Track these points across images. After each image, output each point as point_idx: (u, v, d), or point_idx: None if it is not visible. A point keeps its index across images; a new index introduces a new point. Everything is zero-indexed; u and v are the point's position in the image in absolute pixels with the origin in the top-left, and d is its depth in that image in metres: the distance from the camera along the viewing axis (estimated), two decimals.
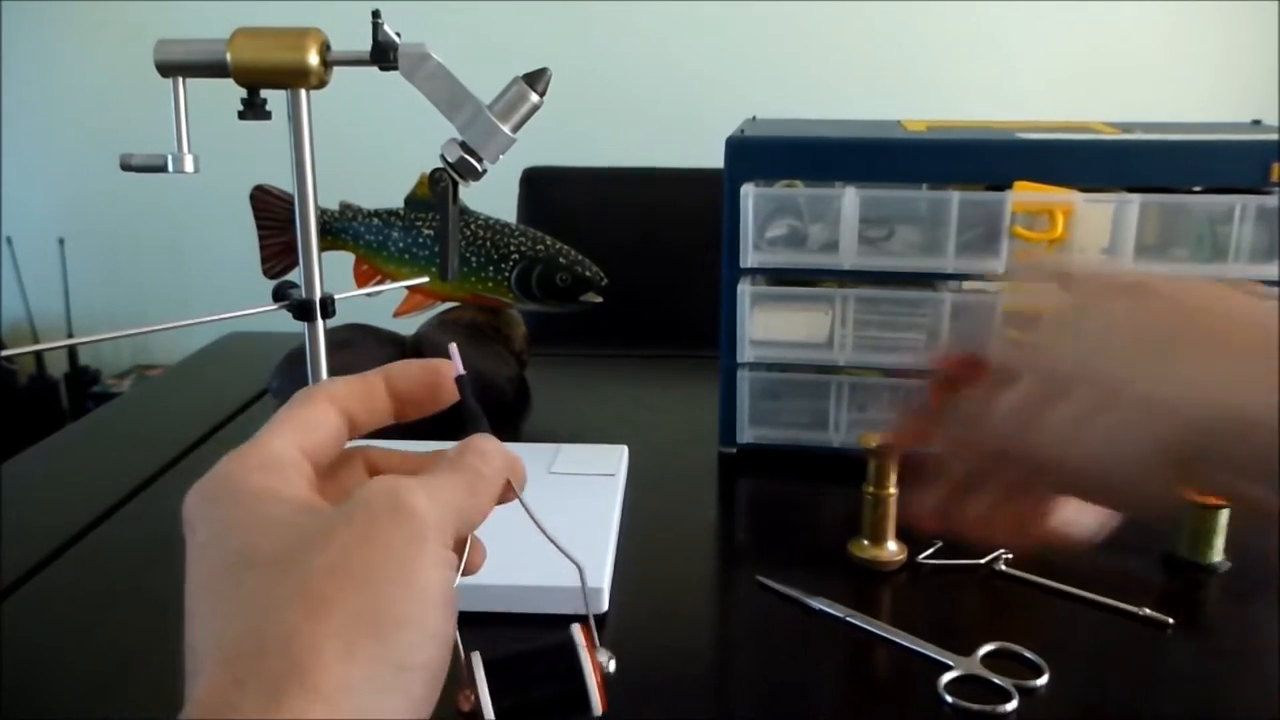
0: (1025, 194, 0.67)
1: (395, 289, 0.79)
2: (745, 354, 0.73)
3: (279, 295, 0.62)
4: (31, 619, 0.54)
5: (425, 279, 0.81)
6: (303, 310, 0.62)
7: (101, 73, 2.42)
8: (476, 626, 0.35)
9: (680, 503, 0.68)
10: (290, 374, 0.83)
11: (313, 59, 0.57)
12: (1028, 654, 0.49)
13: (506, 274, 0.84)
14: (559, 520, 0.62)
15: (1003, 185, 0.67)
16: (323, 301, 0.62)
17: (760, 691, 0.49)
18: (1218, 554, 0.58)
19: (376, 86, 0.90)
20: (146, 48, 0.57)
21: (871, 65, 2.32)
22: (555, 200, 1.46)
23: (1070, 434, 0.35)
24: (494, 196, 1.01)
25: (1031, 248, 0.66)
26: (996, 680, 0.47)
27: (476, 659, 0.31)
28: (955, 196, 0.68)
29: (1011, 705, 0.46)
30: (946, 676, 0.48)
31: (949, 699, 0.46)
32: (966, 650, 0.49)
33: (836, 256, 0.70)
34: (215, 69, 0.57)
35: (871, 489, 0.59)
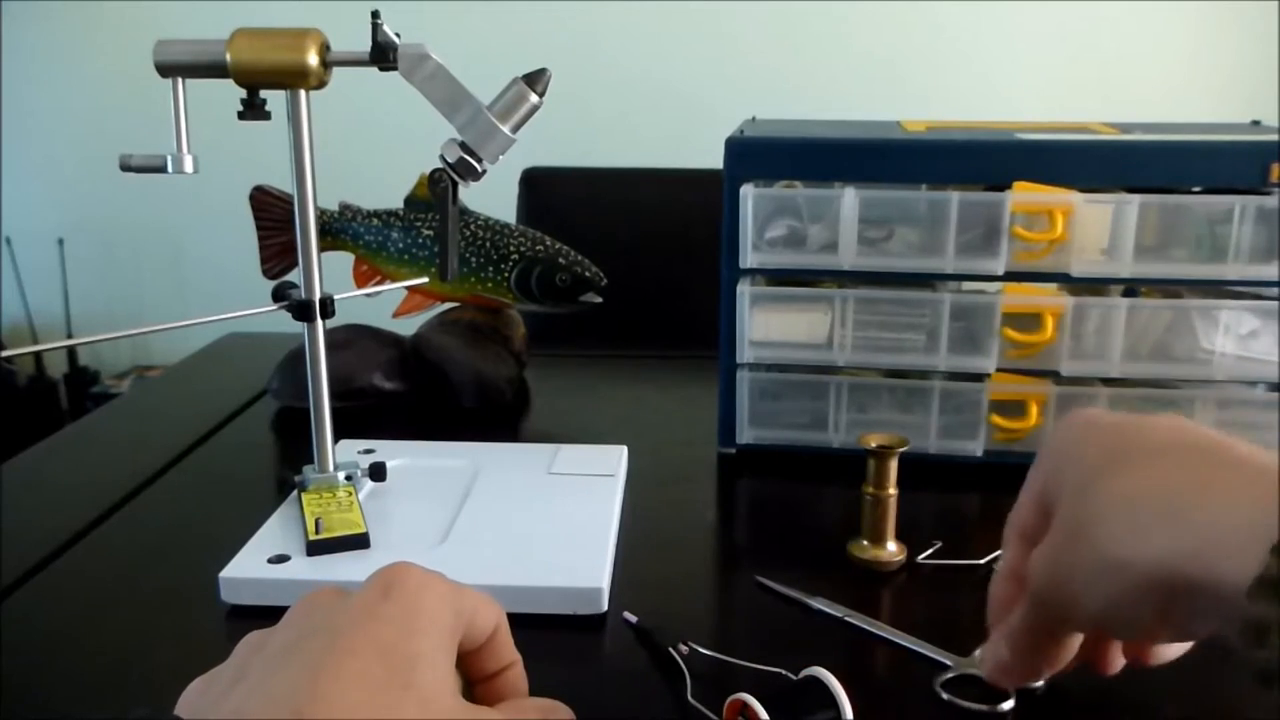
0: (1025, 194, 0.67)
1: (395, 289, 0.79)
2: (745, 354, 0.73)
3: (278, 296, 0.62)
4: (31, 619, 0.54)
5: (425, 279, 0.81)
6: (302, 311, 0.62)
7: (101, 73, 2.42)
8: None
9: (680, 503, 0.68)
10: (290, 375, 0.83)
11: (312, 59, 0.57)
12: None
13: (506, 274, 0.85)
14: (558, 520, 0.62)
15: (1002, 185, 0.67)
16: (322, 302, 0.62)
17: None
18: None
19: (376, 87, 0.90)
20: (146, 48, 0.57)
21: (871, 65, 2.32)
22: (555, 200, 1.46)
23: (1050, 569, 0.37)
24: (494, 196, 1.01)
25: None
26: None
27: (750, 699, 0.39)
28: (955, 197, 0.68)
29: (1009, 705, 0.46)
30: (945, 676, 0.48)
31: (947, 698, 0.46)
32: (965, 650, 0.49)
33: (836, 257, 0.70)
34: (215, 69, 0.57)
35: (871, 489, 0.59)
